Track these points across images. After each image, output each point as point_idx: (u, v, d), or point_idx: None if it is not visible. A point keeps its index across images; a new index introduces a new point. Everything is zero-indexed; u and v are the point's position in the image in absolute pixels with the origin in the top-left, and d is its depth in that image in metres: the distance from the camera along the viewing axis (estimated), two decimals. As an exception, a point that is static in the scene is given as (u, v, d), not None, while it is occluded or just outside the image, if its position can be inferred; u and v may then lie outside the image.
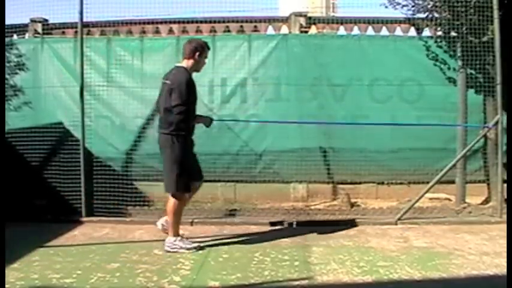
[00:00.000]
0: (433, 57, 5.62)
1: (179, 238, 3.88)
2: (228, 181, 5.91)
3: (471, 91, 5.45)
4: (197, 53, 3.88)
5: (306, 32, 6.23)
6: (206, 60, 4.05)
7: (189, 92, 3.73)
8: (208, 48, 4.02)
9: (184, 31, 6.32)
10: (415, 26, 5.85)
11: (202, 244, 3.96)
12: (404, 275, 3.25)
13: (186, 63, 3.90)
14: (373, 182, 5.89)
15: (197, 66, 3.95)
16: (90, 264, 3.51)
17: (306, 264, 3.50)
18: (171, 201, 3.81)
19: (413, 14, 5.53)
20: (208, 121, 4.12)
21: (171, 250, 3.81)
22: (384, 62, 5.78)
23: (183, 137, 3.78)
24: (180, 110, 3.66)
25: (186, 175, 3.81)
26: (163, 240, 3.89)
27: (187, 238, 3.99)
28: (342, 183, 5.84)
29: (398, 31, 6.08)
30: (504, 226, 4.21)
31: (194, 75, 3.94)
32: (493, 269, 3.34)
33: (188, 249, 3.83)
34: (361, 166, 5.58)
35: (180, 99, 3.66)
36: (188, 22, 6.31)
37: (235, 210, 5.41)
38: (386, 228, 4.57)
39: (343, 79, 5.81)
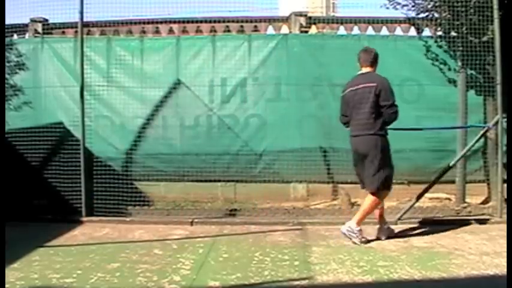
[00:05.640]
0: (433, 57, 5.63)
1: (359, 229, 4.04)
2: (228, 181, 5.91)
3: (471, 91, 5.46)
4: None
5: (306, 32, 6.24)
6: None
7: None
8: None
9: (184, 31, 6.33)
10: (415, 26, 5.85)
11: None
12: (404, 274, 3.25)
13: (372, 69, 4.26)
14: (373, 182, 5.88)
15: None
16: (90, 264, 3.51)
17: (306, 264, 3.50)
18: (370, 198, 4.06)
19: (415, 14, 5.53)
20: None
21: (346, 233, 4.01)
22: (383, 62, 5.73)
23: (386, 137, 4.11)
24: (394, 109, 3.99)
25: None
26: (164, 240, 3.89)
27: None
28: (342, 183, 5.84)
29: (399, 31, 6.09)
30: (504, 226, 4.22)
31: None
32: (493, 269, 3.34)
33: (356, 243, 3.99)
34: (361, 166, 5.57)
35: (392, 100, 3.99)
36: (188, 22, 6.32)
37: (235, 210, 5.42)
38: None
39: (343, 79, 5.76)
